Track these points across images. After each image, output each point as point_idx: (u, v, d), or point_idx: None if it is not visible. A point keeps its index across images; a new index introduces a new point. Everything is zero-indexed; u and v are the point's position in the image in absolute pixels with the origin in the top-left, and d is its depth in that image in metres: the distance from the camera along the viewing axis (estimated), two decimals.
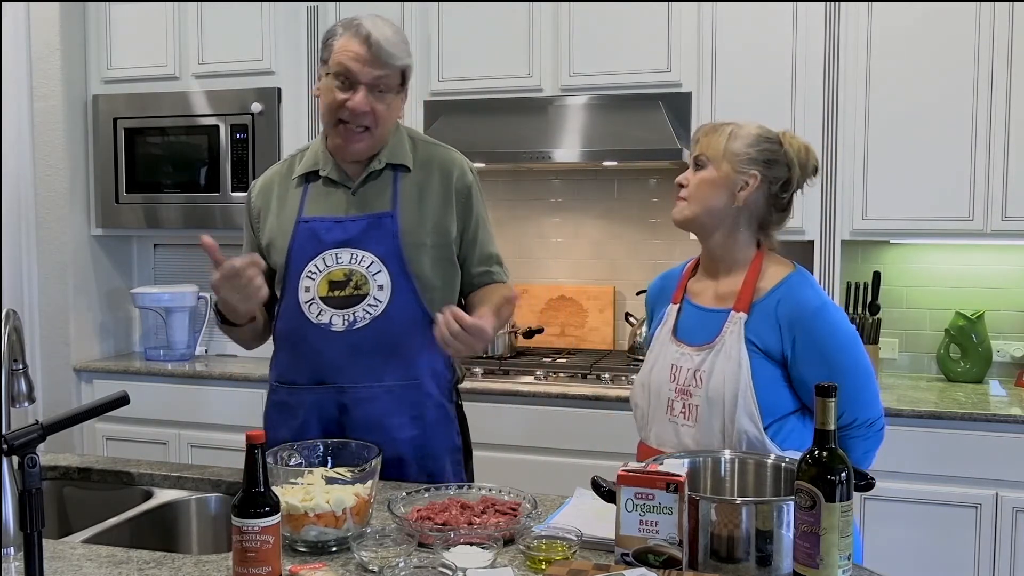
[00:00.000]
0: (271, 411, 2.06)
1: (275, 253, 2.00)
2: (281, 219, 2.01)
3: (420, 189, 2.00)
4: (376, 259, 1.94)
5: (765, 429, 1.71)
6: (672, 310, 1.88)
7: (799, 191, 1.83)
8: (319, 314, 1.95)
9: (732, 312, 1.76)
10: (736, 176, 1.77)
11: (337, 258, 1.95)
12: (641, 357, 2.61)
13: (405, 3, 3.39)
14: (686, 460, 1.59)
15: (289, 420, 2.00)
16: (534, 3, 3.31)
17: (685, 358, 1.79)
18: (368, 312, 1.94)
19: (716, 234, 1.81)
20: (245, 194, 3.43)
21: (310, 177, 2.03)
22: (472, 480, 2.09)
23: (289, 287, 1.98)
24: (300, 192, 2.02)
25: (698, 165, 1.81)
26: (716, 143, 1.78)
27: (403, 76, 1.96)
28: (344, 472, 1.62)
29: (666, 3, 3.18)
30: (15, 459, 1.33)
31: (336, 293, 1.94)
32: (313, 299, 1.95)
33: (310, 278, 1.95)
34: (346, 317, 1.94)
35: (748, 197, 1.77)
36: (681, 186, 1.83)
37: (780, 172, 1.78)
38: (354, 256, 1.94)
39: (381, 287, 1.94)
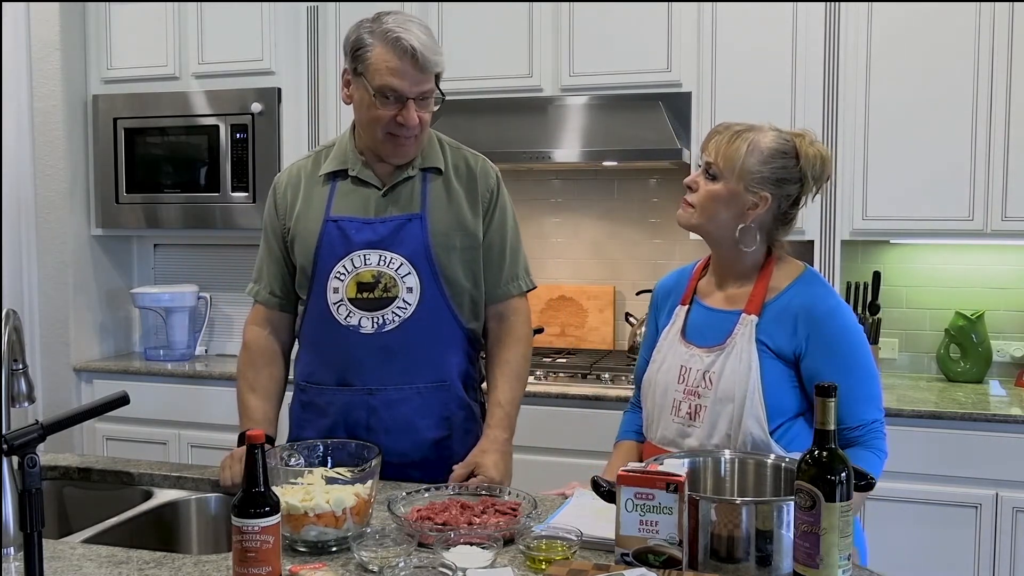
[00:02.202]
0: (298, 410, 2.05)
1: (301, 251, 1.98)
2: (307, 217, 1.98)
3: (448, 191, 1.99)
4: (405, 261, 1.92)
5: (771, 432, 1.71)
6: (681, 311, 1.88)
7: (807, 203, 1.82)
8: (348, 316, 1.93)
9: (743, 314, 1.76)
10: (747, 195, 1.74)
11: (366, 259, 1.93)
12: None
13: (405, 3, 3.39)
14: (686, 460, 1.59)
15: (318, 420, 2.00)
16: (534, 3, 3.31)
17: (695, 359, 1.79)
18: (397, 315, 1.92)
19: (725, 243, 1.80)
20: (246, 194, 3.51)
21: (337, 175, 2.00)
22: None
23: (316, 287, 1.96)
24: (327, 190, 1.99)
25: (710, 174, 1.77)
26: (732, 155, 1.74)
27: (437, 77, 1.93)
28: (344, 472, 1.62)
29: (666, 3, 3.18)
30: (15, 459, 1.33)
31: (365, 295, 1.93)
32: (342, 300, 1.93)
33: (338, 279, 1.93)
34: (375, 319, 1.93)
35: (756, 217, 1.76)
36: (689, 188, 1.81)
37: (791, 190, 1.76)
38: (383, 258, 1.93)
39: (410, 289, 1.92)
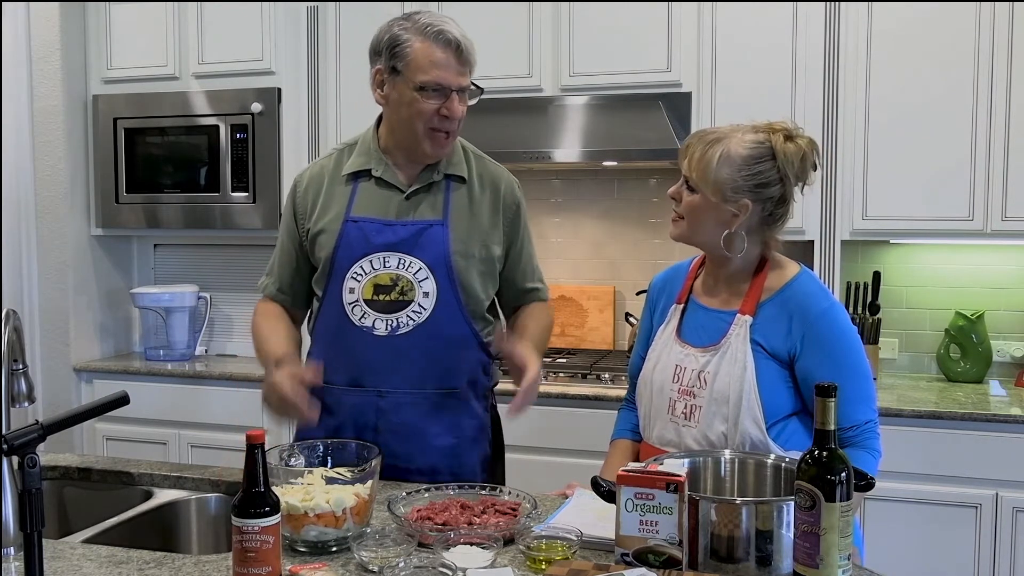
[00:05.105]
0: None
1: (319, 249, 1.97)
2: (328, 216, 1.97)
3: (471, 202, 1.98)
4: (424, 266, 1.92)
5: (768, 430, 1.71)
6: (676, 310, 1.87)
7: (801, 203, 1.81)
8: (362, 317, 1.93)
9: (738, 314, 1.76)
10: (725, 206, 1.73)
11: (385, 262, 1.92)
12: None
13: (405, 3, 3.39)
14: (686, 460, 1.59)
15: (325, 420, 1.98)
16: (534, 3, 3.31)
17: (690, 359, 1.79)
18: (412, 319, 1.92)
19: (715, 250, 1.79)
20: (246, 194, 3.51)
21: (360, 175, 1.99)
22: (503, 483, 2.07)
23: (332, 286, 1.95)
24: (349, 190, 1.98)
25: (688, 187, 1.77)
26: (704, 168, 1.72)
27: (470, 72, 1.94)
28: (344, 472, 1.62)
29: (666, 3, 3.18)
30: (15, 459, 1.33)
31: (381, 297, 1.92)
32: (357, 301, 1.93)
33: (355, 279, 1.93)
34: (389, 322, 1.92)
35: (740, 224, 1.74)
36: (674, 199, 1.80)
37: (772, 192, 1.74)
38: (402, 261, 1.92)
39: (427, 294, 1.92)
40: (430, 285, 1.92)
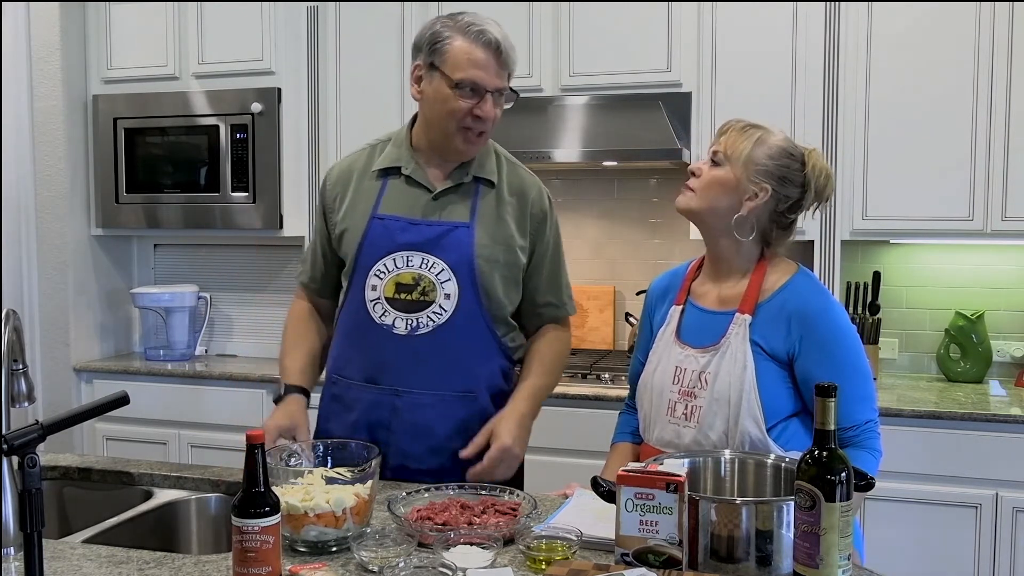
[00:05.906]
0: (328, 402, 2.04)
1: (346, 245, 1.98)
2: (355, 212, 1.98)
3: (498, 206, 1.97)
4: (447, 267, 1.91)
5: (768, 431, 1.71)
6: (675, 311, 1.87)
7: (805, 213, 1.82)
8: (383, 314, 1.93)
9: (737, 314, 1.76)
10: (747, 184, 1.75)
11: (408, 261, 1.92)
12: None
13: (405, 3, 3.39)
14: (686, 460, 1.59)
15: (343, 414, 1.99)
16: (534, 3, 3.31)
17: (690, 360, 1.79)
18: (432, 319, 1.91)
19: (720, 238, 1.80)
20: (246, 194, 3.51)
21: (390, 172, 1.99)
22: (521, 487, 2.05)
23: (356, 282, 1.95)
24: (378, 187, 1.98)
25: (715, 161, 1.79)
26: (739, 145, 1.76)
27: (509, 76, 1.93)
28: (344, 472, 1.62)
29: (666, 3, 3.18)
30: (15, 459, 1.33)
31: (402, 296, 1.92)
32: (378, 298, 1.93)
33: (378, 277, 1.93)
34: (409, 321, 1.92)
35: (753, 208, 1.76)
36: (693, 175, 1.82)
37: (792, 192, 1.77)
38: (425, 261, 1.92)
39: (448, 296, 1.91)
40: (452, 287, 1.91)
